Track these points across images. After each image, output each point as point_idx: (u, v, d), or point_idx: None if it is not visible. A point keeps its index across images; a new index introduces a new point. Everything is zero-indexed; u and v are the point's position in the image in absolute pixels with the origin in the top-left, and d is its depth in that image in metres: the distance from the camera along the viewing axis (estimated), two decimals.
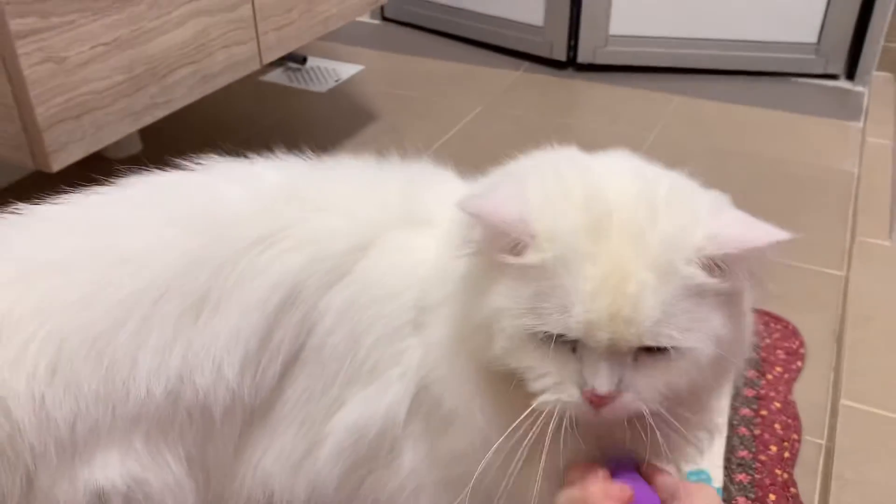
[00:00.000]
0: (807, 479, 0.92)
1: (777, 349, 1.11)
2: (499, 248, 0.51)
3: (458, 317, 0.56)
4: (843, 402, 0.96)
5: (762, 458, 0.94)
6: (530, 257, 0.50)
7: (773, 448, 0.95)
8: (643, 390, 0.51)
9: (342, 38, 2.13)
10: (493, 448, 0.54)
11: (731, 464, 0.93)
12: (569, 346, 0.50)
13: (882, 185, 1.42)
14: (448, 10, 2.17)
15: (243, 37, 1.23)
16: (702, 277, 0.49)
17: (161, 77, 1.10)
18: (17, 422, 0.53)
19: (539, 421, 0.51)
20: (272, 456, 0.61)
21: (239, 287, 0.58)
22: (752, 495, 0.89)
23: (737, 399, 1.02)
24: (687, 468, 0.92)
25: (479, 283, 0.53)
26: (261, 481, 0.61)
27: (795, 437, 0.97)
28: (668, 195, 0.52)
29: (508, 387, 0.53)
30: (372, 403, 0.59)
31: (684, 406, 0.54)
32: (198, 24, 1.13)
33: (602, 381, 0.49)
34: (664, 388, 0.51)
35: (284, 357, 0.59)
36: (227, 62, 1.21)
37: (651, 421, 0.51)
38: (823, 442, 0.97)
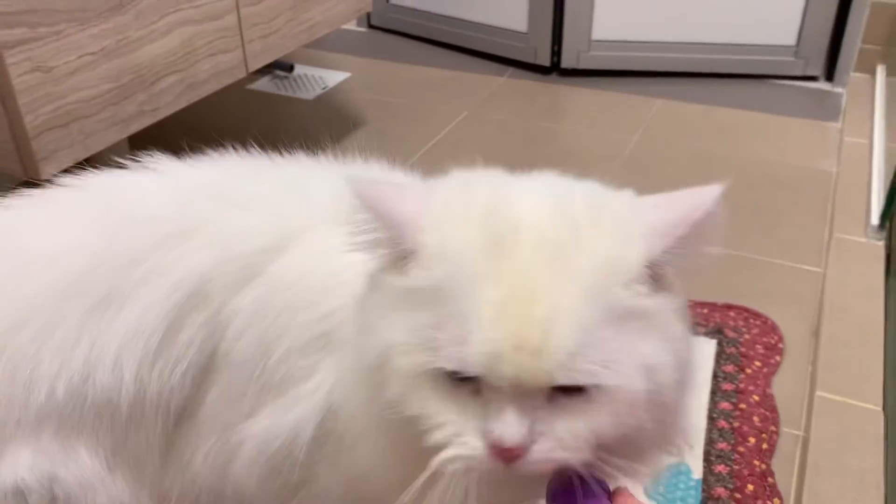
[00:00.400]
0: (784, 469, 0.94)
1: (756, 344, 1.13)
2: (383, 261, 0.45)
3: (353, 355, 0.50)
4: (819, 393, 0.98)
5: (741, 449, 0.96)
6: (417, 276, 0.43)
7: (752, 440, 0.98)
8: (563, 438, 0.42)
9: (329, 46, 2.16)
10: None
11: (710, 455, 0.95)
12: (470, 387, 0.42)
13: (859, 184, 1.45)
14: (433, 17, 2.19)
15: (229, 45, 1.26)
16: (635, 298, 0.42)
17: (148, 85, 1.12)
18: None
19: (447, 485, 0.43)
20: (200, 457, 0.60)
21: (143, 285, 0.56)
22: (731, 485, 0.91)
23: (716, 393, 1.05)
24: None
25: (369, 315, 0.47)
26: (190, 480, 0.61)
27: (773, 428, 0.99)
28: (588, 208, 0.45)
29: (414, 440, 0.45)
30: (279, 416, 0.57)
31: (620, 454, 0.45)
32: (183, 32, 1.15)
33: (509, 430, 0.41)
34: (589, 435, 0.42)
35: (196, 358, 0.57)
36: (214, 70, 1.23)
37: (584, 472, 0.43)
38: (801, 433, 0.99)
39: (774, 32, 1.93)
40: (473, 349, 0.40)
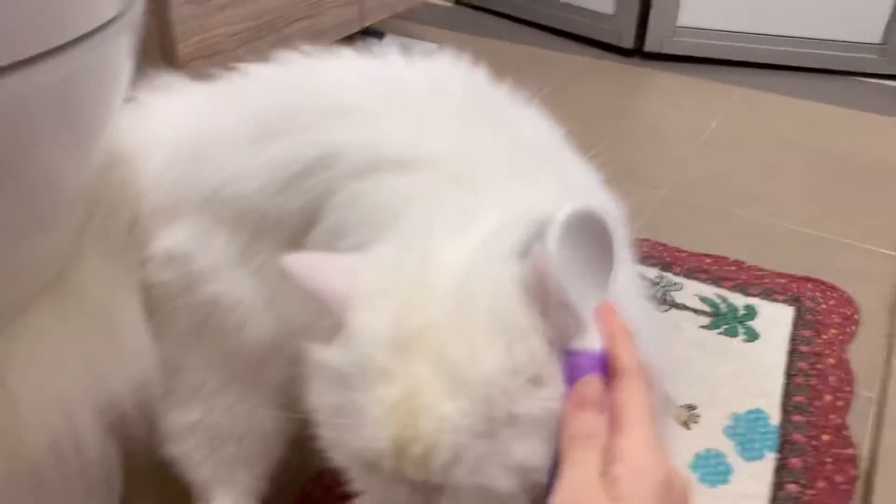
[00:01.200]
0: (858, 426, 0.99)
1: (832, 314, 1.18)
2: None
3: None
4: None
5: (817, 403, 1.02)
6: (334, 354, 0.44)
7: (828, 397, 1.03)
8: None
9: (418, 19, 2.24)
10: None
11: (787, 407, 1.01)
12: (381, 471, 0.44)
13: None
14: None
15: None
16: (517, 405, 0.42)
17: (280, 28, 1.21)
18: (127, 179, 0.68)
19: None
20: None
21: (300, 132, 0.65)
22: (807, 433, 0.97)
23: (793, 353, 1.10)
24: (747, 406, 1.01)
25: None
26: None
27: (849, 388, 1.05)
28: (491, 316, 0.43)
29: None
30: None
31: None
32: None
33: None
34: None
35: (310, 201, 0.64)
36: (335, 21, 1.32)
37: None
38: (875, 395, 1.04)
39: (860, 30, 1.95)
40: (362, 444, 0.43)
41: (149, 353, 0.69)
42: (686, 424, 0.98)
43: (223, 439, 0.73)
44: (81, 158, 0.62)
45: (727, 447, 0.95)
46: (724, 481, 0.91)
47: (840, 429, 0.98)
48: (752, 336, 1.14)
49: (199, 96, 0.73)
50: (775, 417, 0.99)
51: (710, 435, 0.97)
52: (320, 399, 0.45)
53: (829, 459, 0.94)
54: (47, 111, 0.54)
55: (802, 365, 1.08)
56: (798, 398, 1.03)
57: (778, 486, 0.90)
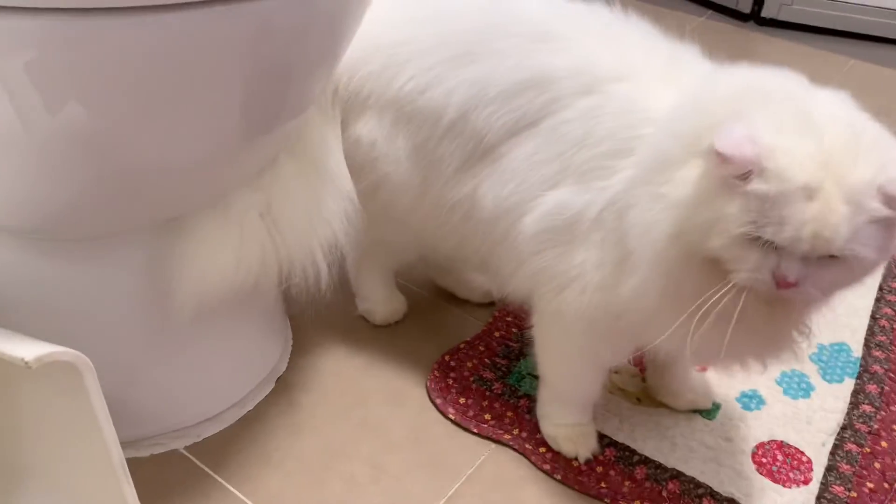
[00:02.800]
0: None
1: None
2: (731, 172, 0.62)
3: (678, 217, 0.67)
4: None
5: None
6: (757, 186, 0.62)
7: None
8: (820, 286, 0.65)
9: None
10: (655, 304, 0.71)
11: (869, 343, 1.12)
12: (773, 245, 0.63)
13: None
14: None
15: None
16: (884, 211, 0.61)
17: None
18: (338, 75, 0.88)
19: (730, 292, 0.65)
20: (490, 194, 0.82)
21: (496, 56, 0.80)
22: (886, 366, 1.08)
23: (881, 301, 1.20)
24: (831, 340, 1.12)
25: (708, 192, 0.65)
26: (471, 204, 0.85)
27: None
28: (869, 144, 0.63)
29: (695, 269, 0.67)
30: (574, 197, 0.77)
31: (828, 301, 0.72)
32: None
33: (793, 272, 0.63)
34: (832, 286, 0.66)
35: (519, 118, 0.79)
36: None
37: (797, 310, 0.70)
38: None
39: None
40: (787, 235, 0.61)
41: (352, 195, 0.88)
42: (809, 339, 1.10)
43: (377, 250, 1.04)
44: (332, 61, 0.78)
45: (810, 370, 1.07)
46: (806, 396, 1.03)
47: None
48: None
49: (394, 2, 0.88)
50: (857, 351, 1.10)
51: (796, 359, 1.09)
52: (743, 206, 0.62)
53: None
54: (317, 34, 0.70)
55: (888, 310, 1.18)
56: (881, 337, 1.13)
57: (854, 405, 1.02)
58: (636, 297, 0.74)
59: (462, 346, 1.07)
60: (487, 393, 1.00)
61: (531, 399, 0.99)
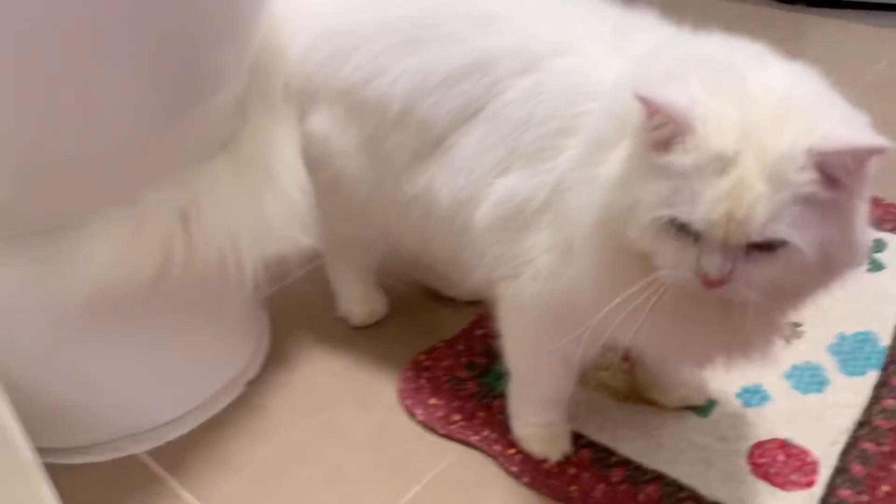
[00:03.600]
0: None
1: None
2: (651, 142, 0.57)
3: (603, 202, 0.62)
4: None
5: None
6: (675, 157, 0.55)
7: None
8: (753, 283, 0.56)
9: None
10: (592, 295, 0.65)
11: None
12: (692, 237, 0.56)
13: None
14: None
15: None
16: (811, 186, 0.53)
17: None
18: (278, 49, 0.85)
19: (655, 287, 0.60)
20: (445, 188, 0.78)
21: (439, 42, 0.76)
22: None
23: None
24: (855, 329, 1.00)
25: (630, 174, 0.60)
26: (429, 199, 0.80)
27: None
28: (799, 111, 0.55)
29: (627, 259, 0.61)
30: (522, 181, 0.72)
31: (783, 302, 0.63)
32: None
33: (714, 269, 0.56)
34: (767, 283, 0.57)
35: (465, 106, 0.75)
36: None
37: (750, 310, 0.58)
38: None
39: None
40: (699, 216, 0.54)
41: (302, 196, 0.85)
42: (787, 339, 0.99)
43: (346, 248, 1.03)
44: (237, 39, 0.76)
45: (828, 362, 0.96)
46: (819, 390, 0.92)
47: None
48: (877, 267, 1.11)
49: None
50: (885, 340, 0.98)
51: (811, 350, 0.97)
52: (655, 189, 0.57)
53: None
54: None
55: None
56: None
57: (875, 399, 0.90)
58: (575, 286, 0.68)
59: (440, 345, 1.02)
60: (460, 392, 0.94)
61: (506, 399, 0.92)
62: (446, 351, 1.01)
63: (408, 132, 0.79)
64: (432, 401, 0.93)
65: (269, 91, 0.85)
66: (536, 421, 0.87)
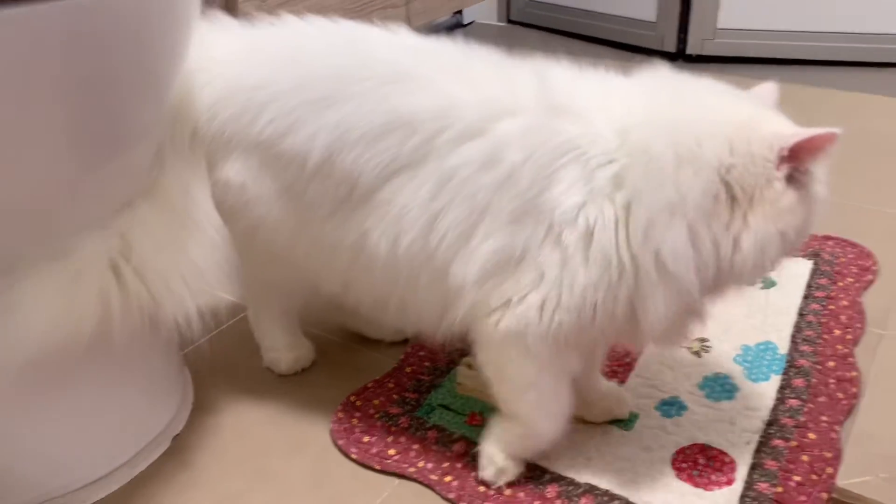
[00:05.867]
0: (866, 358, 1.04)
1: (851, 266, 1.24)
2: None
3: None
4: None
5: (825, 336, 1.08)
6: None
7: (837, 331, 1.09)
8: None
9: (472, 39, 2.40)
10: None
11: (796, 339, 1.08)
12: None
13: None
14: (568, 10, 2.40)
15: (397, 2, 1.50)
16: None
17: None
18: (188, 97, 0.85)
19: None
20: (383, 242, 0.80)
21: (353, 100, 0.79)
22: (813, 359, 1.03)
23: (808, 297, 1.16)
24: (756, 340, 1.07)
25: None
26: (359, 249, 0.82)
27: (859, 325, 1.10)
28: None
29: None
30: (513, 237, 0.74)
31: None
32: None
33: None
34: None
35: (390, 161, 0.78)
36: (381, 22, 1.48)
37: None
38: (884, 332, 1.09)
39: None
40: None
41: (223, 243, 0.85)
42: (697, 354, 1.06)
43: (268, 294, 1.04)
44: (155, 93, 0.78)
45: (735, 371, 1.02)
46: (730, 397, 0.98)
47: (846, 357, 1.04)
48: (769, 284, 1.20)
49: (252, 40, 0.88)
50: (784, 348, 1.06)
51: (719, 362, 1.04)
52: None
53: (832, 380, 1.00)
54: (126, 42, 0.70)
55: (815, 306, 1.15)
56: (808, 332, 1.09)
57: (780, 400, 0.97)
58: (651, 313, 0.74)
59: (370, 384, 1.03)
60: (393, 428, 0.95)
61: (440, 430, 0.94)
62: (376, 390, 1.02)
63: (329, 182, 0.82)
64: (366, 439, 0.94)
65: (180, 139, 0.86)
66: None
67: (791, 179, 0.73)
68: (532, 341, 0.76)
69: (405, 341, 1.11)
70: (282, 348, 1.06)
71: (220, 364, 1.09)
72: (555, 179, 0.73)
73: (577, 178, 0.73)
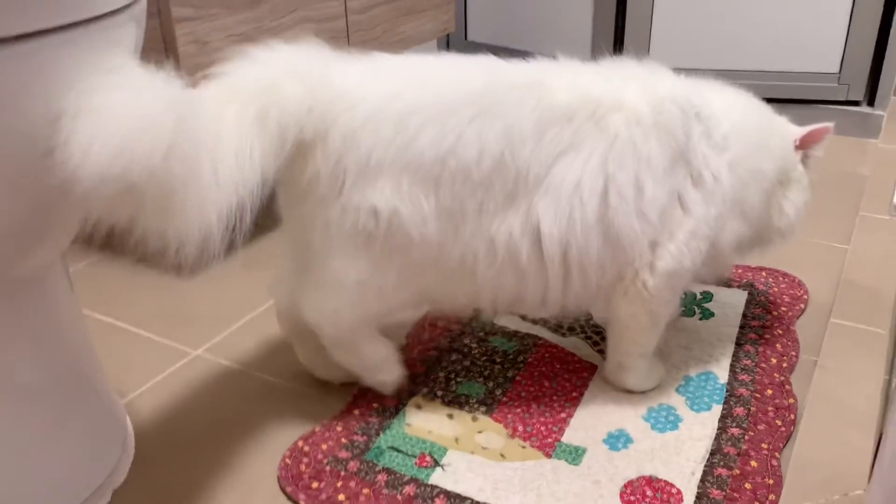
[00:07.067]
0: (801, 384, 1.08)
1: (784, 295, 1.29)
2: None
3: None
4: (833, 320, 1.13)
5: (763, 365, 1.11)
6: None
7: (774, 360, 1.13)
8: None
9: None
10: None
11: (735, 368, 1.11)
12: None
13: (887, 178, 1.60)
14: (500, 51, 2.45)
15: (337, 45, 1.51)
16: None
17: None
18: (335, 147, 0.87)
19: None
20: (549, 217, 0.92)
21: (521, 106, 0.90)
22: (752, 388, 1.07)
23: (745, 327, 1.20)
24: (697, 371, 1.10)
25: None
26: (528, 231, 0.93)
27: (794, 353, 1.14)
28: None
29: None
30: (700, 203, 0.98)
31: None
32: (304, 28, 1.42)
33: None
34: None
35: (554, 148, 0.90)
36: None
37: None
38: (818, 359, 1.13)
39: (819, 61, 2.11)
40: None
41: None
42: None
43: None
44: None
45: (678, 402, 1.05)
46: (674, 428, 1.00)
47: (783, 384, 1.07)
48: (707, 315, 1.24)
49: (369, 71, 0.92)
50: (723, 378, 1.09)
51: (662, 393, 1.06)
52: None
53: (770, 408, 1.03)
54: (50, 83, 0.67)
55: (752, 335, 1.18)
56: (746, 361, 1.12)
57: (722, 429, 0.99)
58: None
59: (318, 429, 1.02)
60: (342, 473, 0.94)
61: (390, 473, 0.93)
62: (324, 434, 1.01)
63: (498, 185, 0.90)
64: (315, 484, 0.93)
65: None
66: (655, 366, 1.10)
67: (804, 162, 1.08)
68: (681, 277, 0.99)
69: (354, 384, 1.10)
70: (387, 369, 1.06)
71: (162, 413, 1.06)
72: (690, 132, 0.95)
73: (702, 133, 0.96)
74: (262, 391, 1.08)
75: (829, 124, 1.06)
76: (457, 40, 2.53)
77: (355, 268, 0.91)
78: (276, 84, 0.85)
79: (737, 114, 1.02)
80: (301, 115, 0.85)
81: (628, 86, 0.95)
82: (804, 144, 1.07)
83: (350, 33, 1.54)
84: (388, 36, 1.65)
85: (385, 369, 1.05)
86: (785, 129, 1.07)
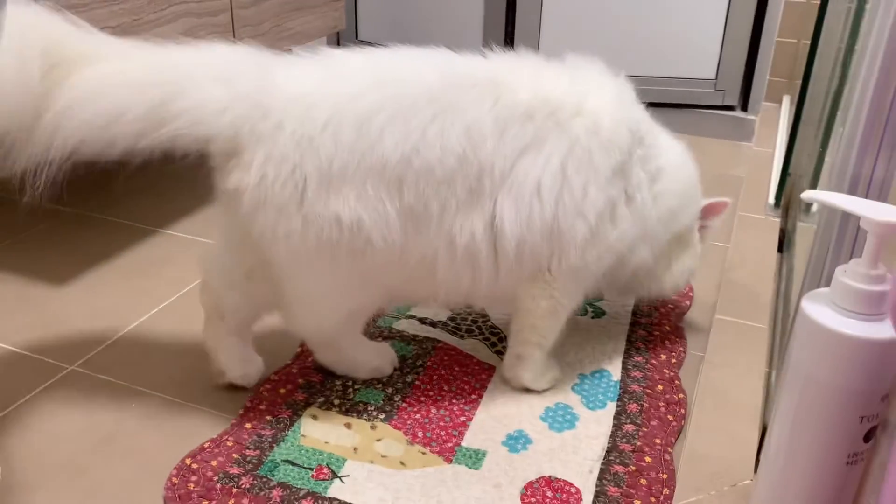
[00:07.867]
0: (689, 379, 1.12)
1: None
2: None
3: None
4: (717, 316, 1.18)
5: (653, 361, 1.15)
6: None
7: (663, 356, 1.16)
8: None
9: None
10: None
11: (627, 365, 1.13)
12: None
13: (762, 180, 1.69)
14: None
15: (222, 40, 1.45)
16: None
17: None
18: (287, 149, 0.85)
19: None
20: (509, 211, 0.93)
21: (471, 104, 0.89)
22: (644, 384, 1.09)
23: (634, 325, 1.23)
24: (591, 369, 1.12)
25: None
26: (490, 229, 0.93)
27: (682, 349, 1.18)
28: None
29: None
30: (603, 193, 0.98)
31: None
32: (186, 22, 1.35)
33: None
34: None
35: (516, 146, 0.91)
36: None
37: None
38: (704, 354, 1.18)
39: (698, 67, 2.20)
40: None
41: None
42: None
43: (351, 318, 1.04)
44: None
45: (574, 400, 1.06)
46: (571, 426, 1.01)
47: (673, 380, 1.11)
48: (599, 313, 1.27)
49: (327, 70, 0.90)
50: (617, 375, 1.11)
51: (559, 393, 1.07)
52: None
53: (662, 404, 1.06)
54: None
55: (642, 332, 1.22)
56: (637, 358, 1.15)
57: (617, 427, 1.01)
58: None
59: (207, 444, 0.96)
60: (234, 490, 0.89)
61: (286, 488, 0.89)
62: (214, 450, 0.95)
63: (460, 182, 0.90)
64: None
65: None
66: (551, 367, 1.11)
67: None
68: (584, 278, 1.02)
69: (245, 388, 1.05)
70: (379, 354, 1.11)
71: (32, 434, 0.98)
72: (633, 151, 1.00)
73: (640, 157, 1.01)
74: (144, 407, 1.01)
75: (727, 200, 1.15)
76: (347, 38, 2.49)
77: (325, 280, 0.93)
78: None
79: (674, 156, 1.08)
80: (209, 114, 0.85)
81: (591, 92, 0.98)
82: (704, 214, 1.14)
83: (236, 28, 1.48)
84: (276, 32, 1.60)
85: (378, 354, 1.10)
86: (700, 195, 1.14)
